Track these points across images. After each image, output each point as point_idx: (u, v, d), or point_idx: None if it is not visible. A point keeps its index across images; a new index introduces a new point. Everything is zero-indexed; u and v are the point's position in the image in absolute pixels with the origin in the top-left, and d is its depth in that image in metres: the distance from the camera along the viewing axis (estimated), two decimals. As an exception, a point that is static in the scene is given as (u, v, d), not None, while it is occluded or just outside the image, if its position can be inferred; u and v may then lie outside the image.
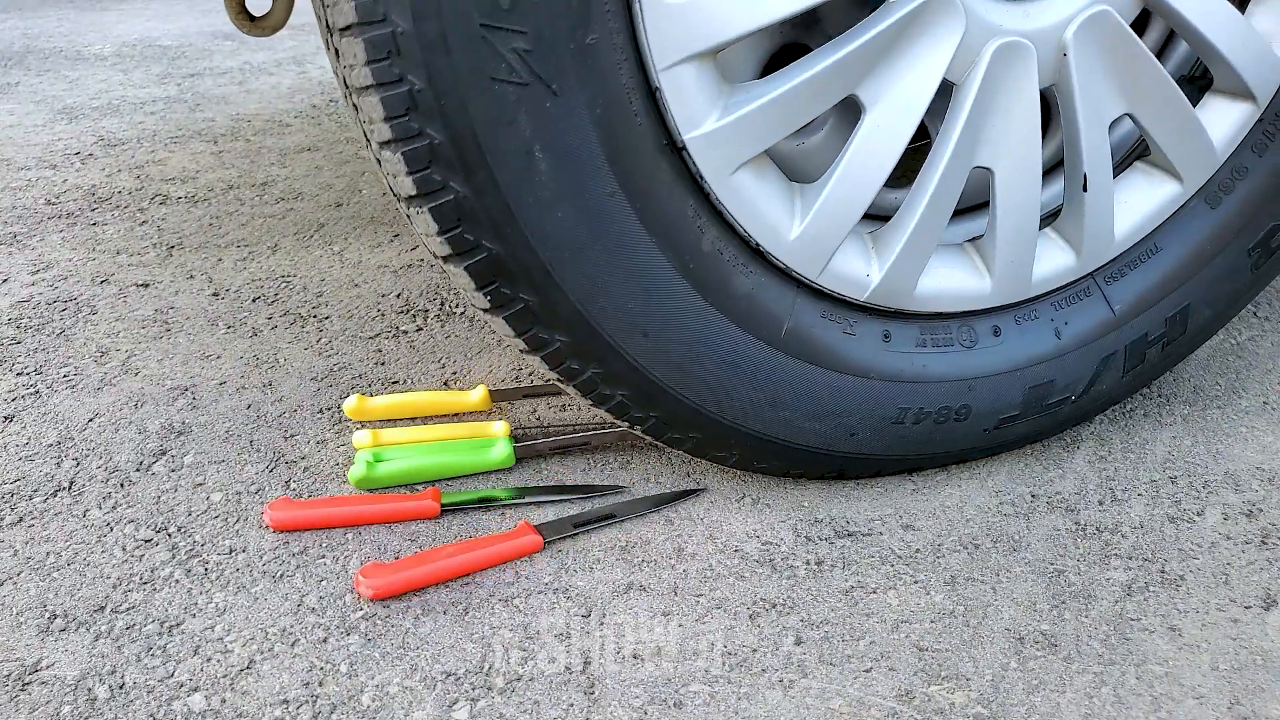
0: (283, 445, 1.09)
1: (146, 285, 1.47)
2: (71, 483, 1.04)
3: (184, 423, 1.13)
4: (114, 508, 1.00)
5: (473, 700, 0.78)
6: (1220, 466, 1.05)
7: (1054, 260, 1.00)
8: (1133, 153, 1.05)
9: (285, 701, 0.77)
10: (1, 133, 2.21)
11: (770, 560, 0.92)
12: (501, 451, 1.04)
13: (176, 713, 0.77)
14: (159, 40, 3.17)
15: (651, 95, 0.81)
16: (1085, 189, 0.95)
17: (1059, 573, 0.90)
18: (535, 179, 0.78)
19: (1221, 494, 1.01)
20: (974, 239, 1.01)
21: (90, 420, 1.14)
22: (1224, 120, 0.99)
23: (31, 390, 1.20)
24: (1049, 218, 1.02)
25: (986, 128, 0.89)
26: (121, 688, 0.79)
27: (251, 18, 1.41)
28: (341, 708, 0.77)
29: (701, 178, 0.84)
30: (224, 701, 0.77)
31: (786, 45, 0.93)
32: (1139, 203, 1.01)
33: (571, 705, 0.77)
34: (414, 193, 0.78)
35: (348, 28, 0.72)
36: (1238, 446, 1.08)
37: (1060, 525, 0.97)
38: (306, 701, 0.77)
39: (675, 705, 0.77)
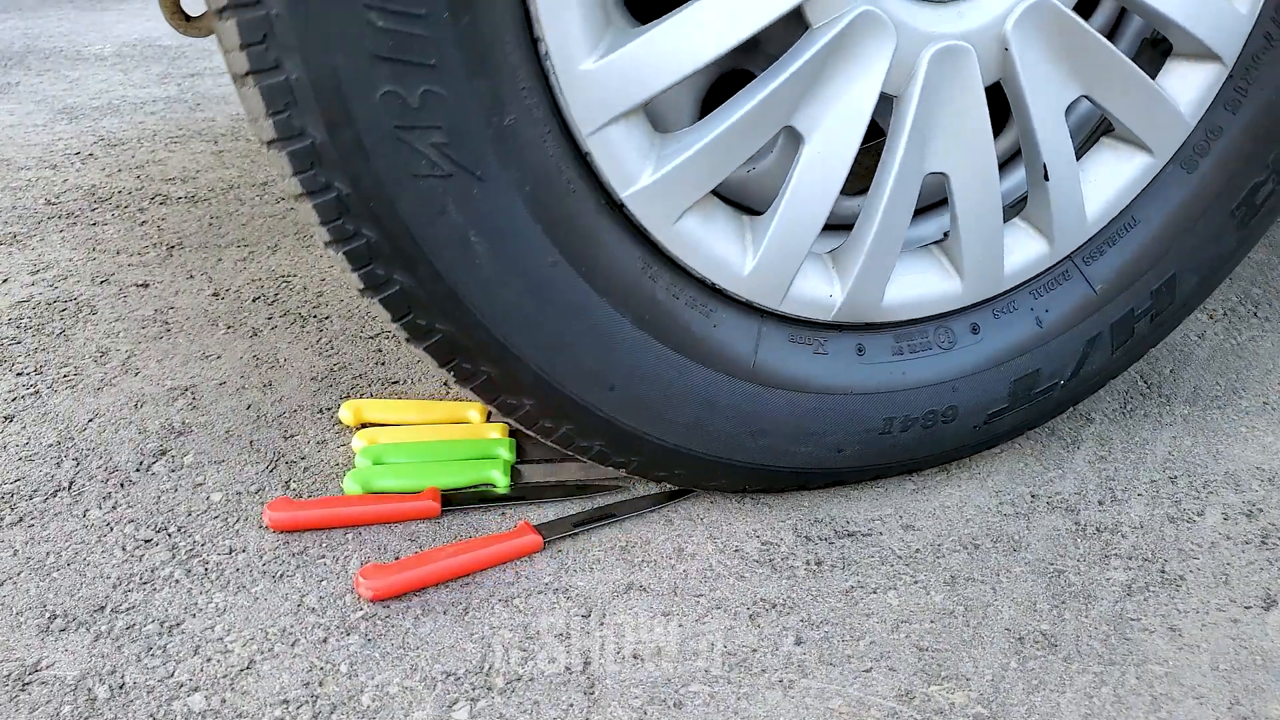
0: (283, 445, 1.09)
1: (146, 285, 1.47)
2: (71, 483, 1.04)
3: (184, 423, 1.13)
4: (114, 508, 1.00)
5: (473, 700, 0.78)
6: (1220, 466, 1.05)
7: (1026, 250, 0.98)
8: (1098, 129, 1.03)
9: (285, 701, 0.77)
10: (1, 133, 2.21)
11: (770, 560, 0.92)
12: (500, 480, 1.02)
13: (176, 713, 0.77)
14: (159, 40, 3.17)
15: (583, 160, 0.81)
16: (1046, 178, 0.94)
17: (1059, 573, 0.90)
18: (475, 262, 0.80)
19: (1221, 494, 1.01)
20: (940, 240, 1.00)
21: (90, 420, 1.14)
22: (1190, 84, 0.96)
23: (31, 390, 1.20)
24: (1020, 203, 1.01)
25: (935, 134, 0.88)
26: (121, 688, 0.79)
27: (187, 17, 1.39)
28: (341, 708, 0.77)
29: (646, 230, 0.85)
30: (224, 701, 0.77)
31: (728, 73, 0.92)
32: (1109, 179, 0.99)
33: (571, 705, 0.77)
34: (362, 286, 0.80)
35: (271, 141, 0.74)
36: (1238, 446, 1.08)
37: (1060, 525, 0.97)
38: (306, 701, 0.77)
39: (675, 705, 0.77)
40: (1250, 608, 0.86)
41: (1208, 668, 0.80)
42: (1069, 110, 0.94)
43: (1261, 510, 0.98)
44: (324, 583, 0.90)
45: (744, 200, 0.97)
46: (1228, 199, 1.02)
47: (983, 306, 1.00)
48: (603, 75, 0.78)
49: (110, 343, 1.30)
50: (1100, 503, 1.00)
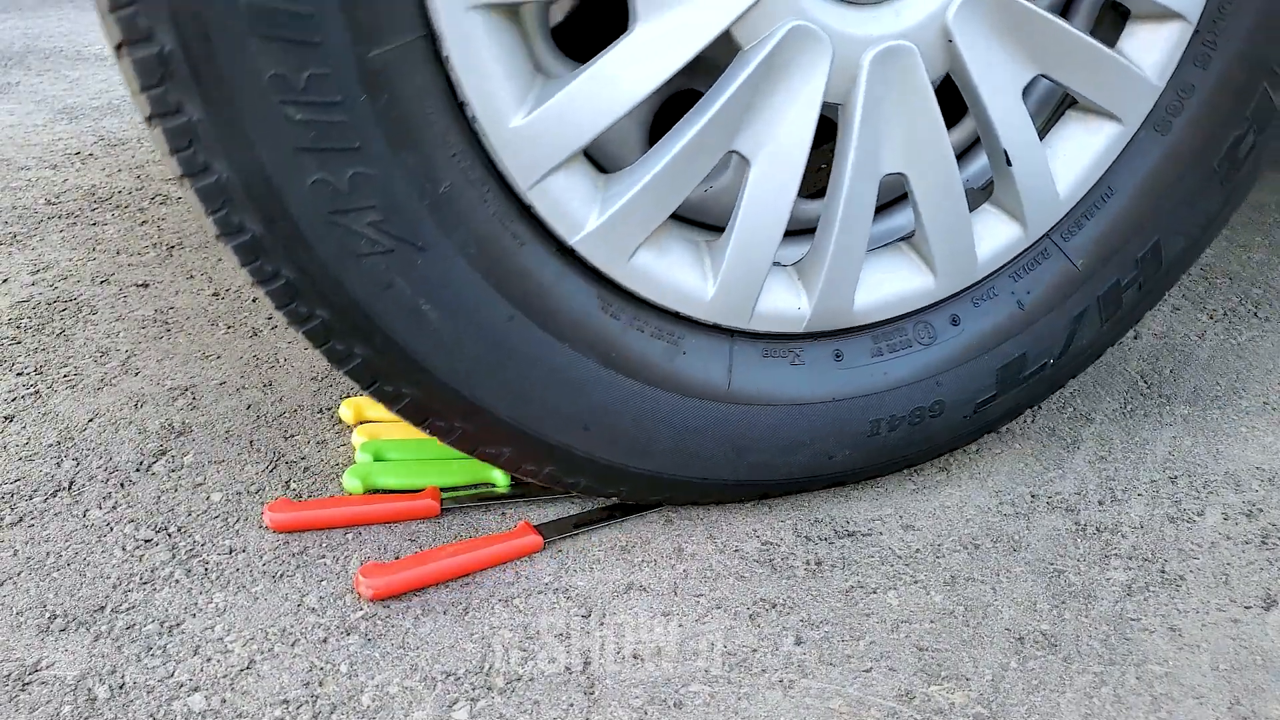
0: (283, 445, 1.09)
1: (146, 285, 1.47)
2: (71, 483, 1.04)
3: (184, 423, 1.13)
4: (114, 508, 1.00)
5: (473, 700, 0.78)
6: (1220, 466, 1.05)
7: (999, 235, 0.97)
8: (1064, 102, 1.01)
9: (285, 701, 0.77)
10: (1, 133, 2.21)
11: (770, 560, 0.92)
12: (500, 480, 1.02)
13: (176, 713, 0.77)
14: (159, 40, 3.17)
15: (528, 212, 0.81)
16: (1009, 164, 0.92)
17: (1059, 573, 0.90)
18: (430, 329, 0.81)
19: (1221, 494, 1.01)
20: (908, 236, 0.98)
21: (90, 420, 1.14)
22: (1154, 46, 0.94)
23: (31, 390, 1.20)
24: (991, 186, 0.99)
25: (886, 136, 0.87)
26: (121, 688, 0.79)
27: None
28: (341, 708, 0.77)
29: (601, 271, 0.85)
30: (224, 701, 0.77)
31: (678, 93, 0.91)
32: (1079, 153, 0.97)
33: (571, 705, 0.77)
34: (328, 361, 0.82)
35: (218, 236, 0.75)
36: (1238, 446, 1.08)
37: (1060, 525, 0.97)
38: (306, 701, 0.77)
39: (675, 705, 0.77)
40: (1250, 608, 0.86)
41: (1208, 668, 0.80)
42: (1031, 88, 0.93)
43: (1261, 510, 0.98)
44: (324, 583, 0.90)
45: (705, 218, 0.96)
46: (1207, 157, 0.99)
47: (960, 297, 0.99)
48: (534, 129, 0.78)
49: (110, 343, 1.30)
50: (1100, 503, 1.00)
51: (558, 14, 0.95)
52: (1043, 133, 0.97)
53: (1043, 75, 0.91)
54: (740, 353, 0.92)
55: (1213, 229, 1.04)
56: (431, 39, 0.74)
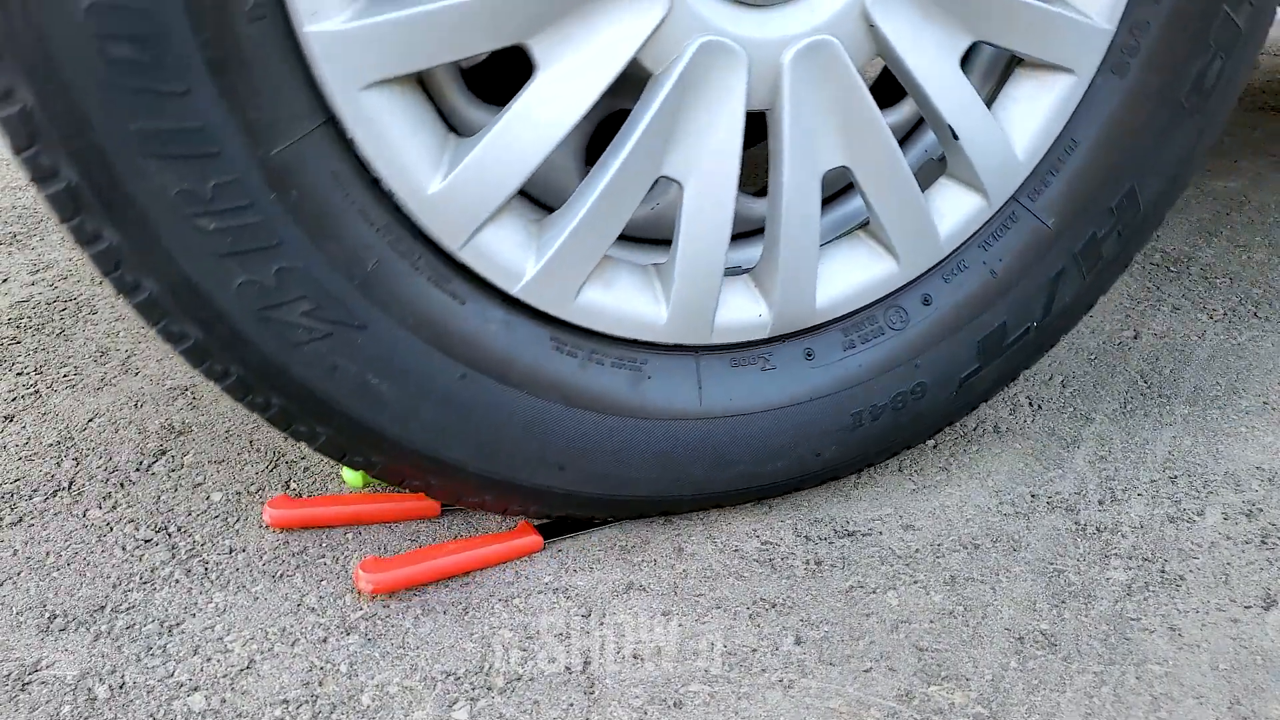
0: (282, 445, 1.09)
1: (146, 285, 1.47)
2: (71, 483, 1.04)
3: (184, 423, 1.13)
4: (114, 508, 1.00)
5: (473, 700, 0.78)
6: (1220, 466, 1.05)
7: (961, 207, 0.94)
8: (1012, 62, 0.97)
9: (285, 701, 0.77)
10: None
11: (770, 560, 0.92)
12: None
13: (176, 713, 0.77)
14: (159, 40, 3.17)
15: (465, 270, 0.81)
16: (956, 138, 0.90)
17: (1059, 573, 0.90)
18: (384, 401, 0.81)
19: (1221, 494, 1.01)
20: (864, 224, 0.96)
21: (90, 420, 1.14)
22: None
23: (31, 390, 1.20)
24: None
25: (821, 134, 0.85)
26: (121, 688, 0.79)
27: None
28: (341, 707, 0.77)
29: (550, 313, 0.85)
30: (224, 701, 0.77)
31: (612, 114, 0.90)
32: (1034, 111, 0.93)
33: (571, 705, 0.77)
34: (296, 441, 0.84)
35: (167, 342, 0.78)
36: (1238, 446, 1.08)
37: (1060, 525, 0.97)
38: (306, 701, 0.77)
39: (675, 705, 0.77)
40: (1250, 608, 0.86)
41: (1208, 668, 0.80)
42: (975, 53, 0.91)
43: (1261, 510, 0.98)
44: (324, 582, 0.90)
45: (657, 235, 0.95)
46: (1173, 92, 0.95)
47: (929, 276, 0.96)
48: (454, 192, 0.78)
49: (110, 343, 1.30)
50: (1100, 503, 1.00)
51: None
52: (996, 94, 0.95)
53: (981, 41, 0.89)
54: (708, 367, 0.92)
55: (1192, 164, 1.00)
56: (333, 123, 0.74)
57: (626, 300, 0.87)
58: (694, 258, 0.86)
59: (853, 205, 1.02)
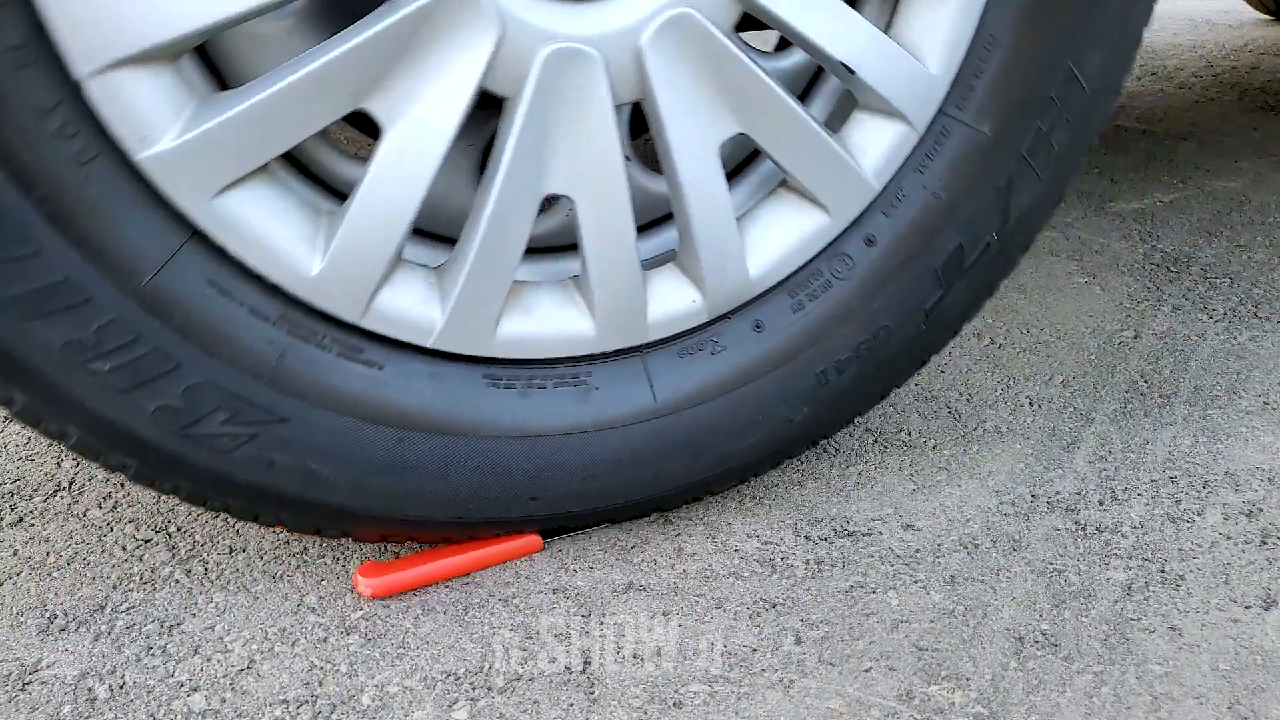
0: (283, 445, 1.09)
1: (147, 285, 1.47)
2: (71, 482, 1.04)
3: (184, 423, 1.13)
4: (114, 508, 1.00)
5: (472, 700, 0.78)
6: (1220, 466, 1.05)
7: (882, 139, 0.89)
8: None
9: (285, 701, 0.77)
10: (2, 133, 2.21)
11: (770, 560, 0.92)
12: None
13: (176, 712, 0.77)
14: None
15: (378, 336, 0.81)
16: (853, 73, 0.86)
17: (1059, 573, 0.90)
18: (329, 481, 0.83)
19: (1221, 494, 1.01)
20: (782, 183, 0.93)
21: (90, 420, 1.14)
22: None
23: (32, 390, 1.20)
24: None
25: (706, 111, 0.83)
26: (121, 688, 0.79)
27: None
28: (341, 707, 0.77)
29: (474, 354, 0.85)
30: (224, 701, 0.77)
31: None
32: (940, 19, 0.87)
33: (571, 705, 0.77)
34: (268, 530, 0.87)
35: (118, 474, 0.80)
36: (1238, 446, 1.08)
37: (1060, 525, 0.97)
38: (306, 701, 0.77)
39: (675, 705, 0.77)
40: (1250, 608, 0.86)
41: (1208, 668, 0.80)
42: None
43: (1261, 510, 0.98)
44: (324, 583, 0.90)
45: (571, 241, 0.93)
46: None
47: (868, 215, 0.91)
48: (337, 267, 0.78)
49: (110, 343, 1.30)
50: (1100, 503, 1.00)
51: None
52: (893, 15, 0.90)
53: None
54: (656, 364, 0.90)
55: (1136, 13, 0.91)
56: (199, 236, 0.74)
57: (550, 321, 0.86)
58: (605, 264, 0.84)
59: (767, 166, 0.97)
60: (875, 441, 1.10)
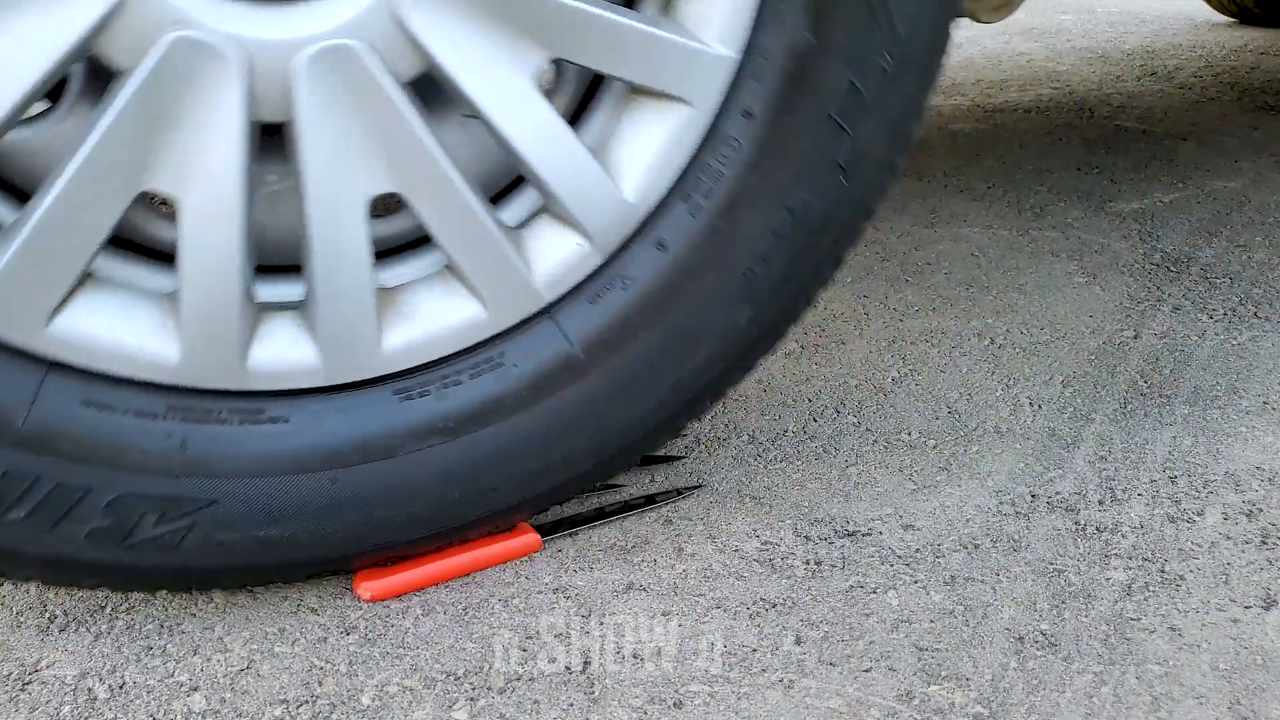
0: (283, 445, 1.09)
1: (147, 285, 1.47)
2: (71, 483, 1.04)
3: (184, 423, 1.13)
4: (114, 508, 1.00)
5: (472, 700, 0.78)
6: (1220, 466, 1.05)
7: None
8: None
9: (285, 701, 0.77)
10: (2, 133, 2.21)
11: (770, 560, 0.92)
12: None
13: (176, 713, 0.77)
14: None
15: (268, 392, 0.80)
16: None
17: (1059, 573, 0.90)
18: (283, 540, 0.82)
19: (1221, 494, 1.01)
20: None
21: (90, 420, 1.14)
22: None
23: (31, 390, 1.20)
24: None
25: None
26: (121, 688, 0.79)
27: None
28: (341, 707, 0.77)
29: (382, 375, 0.83)
30: (224, 701, 0.77)
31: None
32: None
33: (571, 705, 0.77)
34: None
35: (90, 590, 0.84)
36: (1238, 446, 1.08)
37: (1060, 525, 0.97)
38: (306, 701, 0.77)
39: (675, 705, 0.77)
40: (1250, 608, 0.86)
41: (1208, 668, 0.80)
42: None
43: (1261, 510, 0.98)
44: (323, 583, 0.90)
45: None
46: None
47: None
48: (187, 341, 0.76)
49: (110, 343, 1.30)
50: (1100, 503, 1.00)
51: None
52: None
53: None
54: (567, 318, 0.84)
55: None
56: (57, 364, 0.74)
57: (435, 318, 0.82)
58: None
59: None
60: (875, 441, 1.10)
